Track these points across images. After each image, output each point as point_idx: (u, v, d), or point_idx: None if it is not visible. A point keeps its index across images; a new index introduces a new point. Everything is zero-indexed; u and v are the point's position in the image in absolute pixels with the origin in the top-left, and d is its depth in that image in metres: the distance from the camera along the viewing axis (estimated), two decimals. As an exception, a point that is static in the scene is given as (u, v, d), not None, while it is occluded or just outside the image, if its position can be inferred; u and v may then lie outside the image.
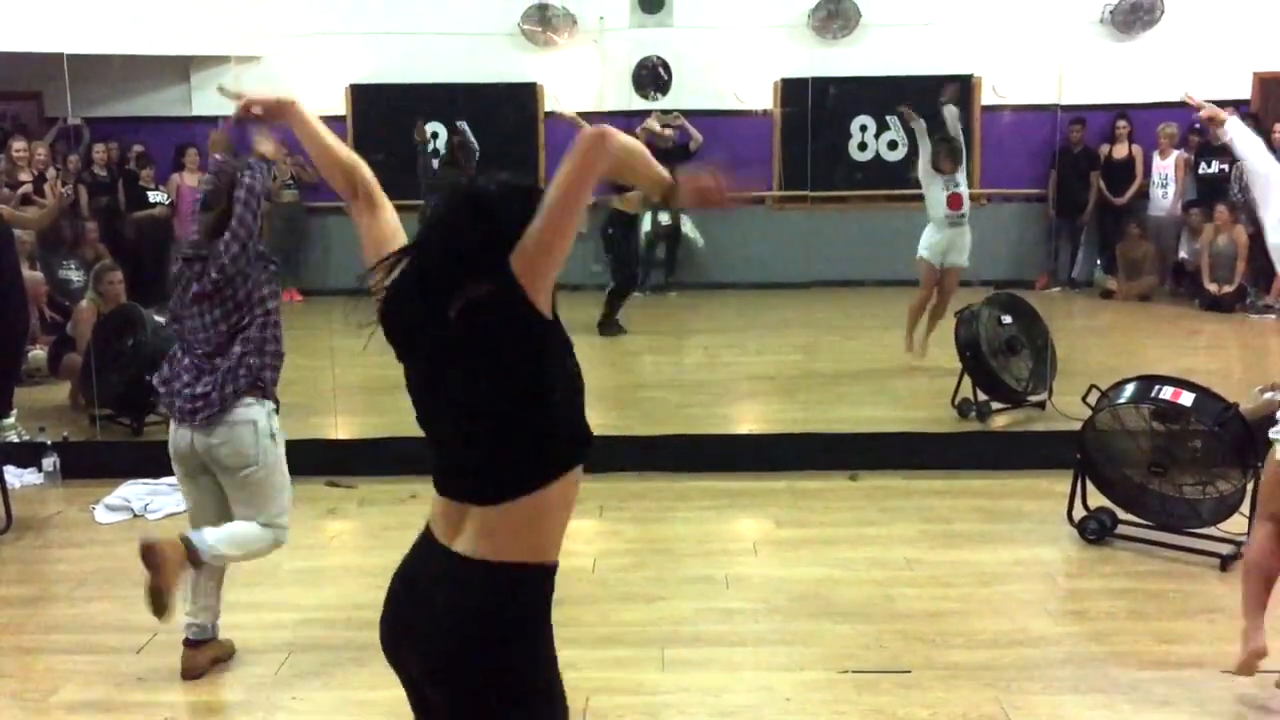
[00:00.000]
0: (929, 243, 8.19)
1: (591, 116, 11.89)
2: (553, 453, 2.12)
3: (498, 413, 2.08)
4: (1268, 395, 5.96)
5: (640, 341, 9.47)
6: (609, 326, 9.45)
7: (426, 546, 2.23)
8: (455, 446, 2.17)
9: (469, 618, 2.11)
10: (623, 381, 8.11)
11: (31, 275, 8.46)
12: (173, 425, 4.01)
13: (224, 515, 4.03)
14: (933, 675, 4.05)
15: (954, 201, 8.10)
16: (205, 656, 4.14)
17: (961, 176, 8.17)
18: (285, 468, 4.05)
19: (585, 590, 4.68)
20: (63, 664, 4.26)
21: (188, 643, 4.13)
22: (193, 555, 3.79)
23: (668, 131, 11.38)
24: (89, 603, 4.84)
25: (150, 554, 3.63)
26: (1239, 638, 3.84)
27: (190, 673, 4.09)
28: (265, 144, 4.02)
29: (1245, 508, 4.80)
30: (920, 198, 8.29)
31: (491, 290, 2.03)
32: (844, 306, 9.89)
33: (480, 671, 2.09)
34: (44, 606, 4.89)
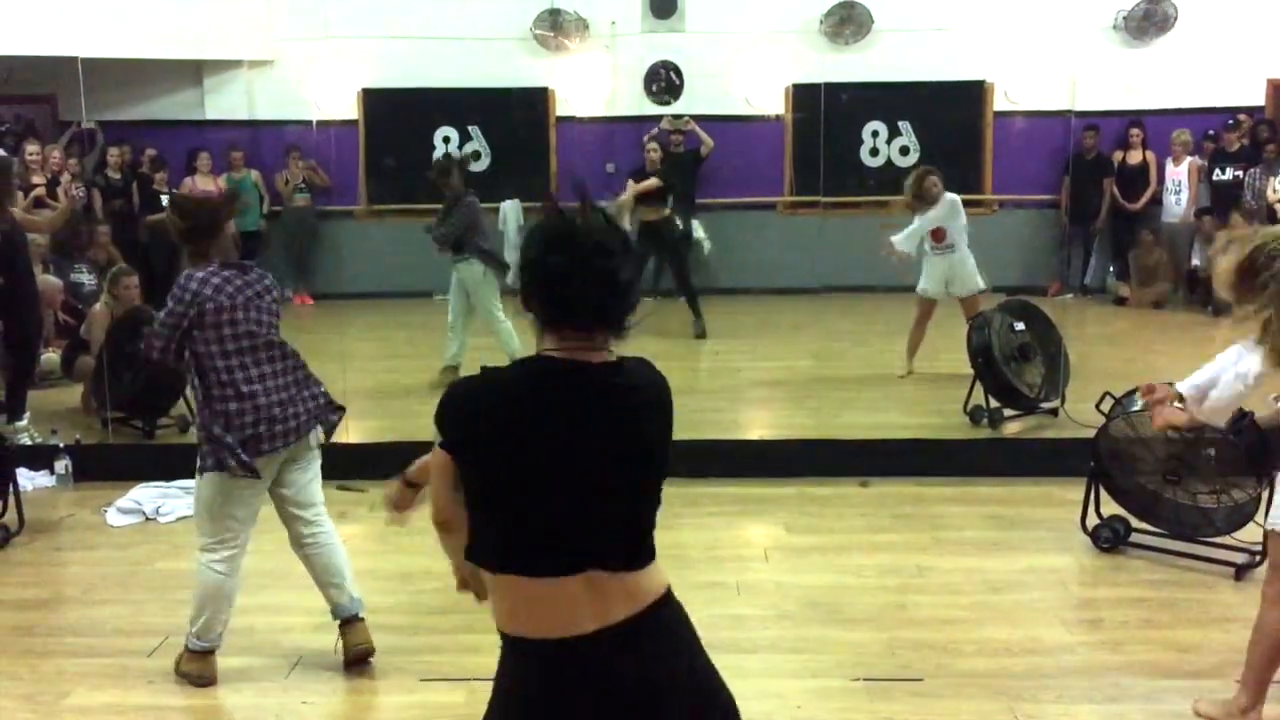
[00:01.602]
0: (927, 276, 8.15)
1: (603, 121, 11.94)
2: None
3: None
4: (1282, 403, 5.92)
5: (650, 346, 9.42)
6: (699, 325, 9.58)
7: (598, 645, 2.08)
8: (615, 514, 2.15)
9: (698, 652, 2.21)
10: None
11: (48, 280, 8.50)
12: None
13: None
14: (945, 683, 4.03)
15: (936, 235, 8.03)
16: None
17: (944, 208, 7.98)
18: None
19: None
20: (74, 667, 4.27)
21: (193, 652, 4.13)
22: None
23: (676, 137, 11.41)
24: (100, 606, 4.85)
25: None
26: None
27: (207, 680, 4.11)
28: None
29: (1260, 516, 4.77)
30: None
31: None
32: (855, 312, 9.87)
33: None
34: (55, 609, 4.90)
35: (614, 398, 2.11)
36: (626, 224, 9.73)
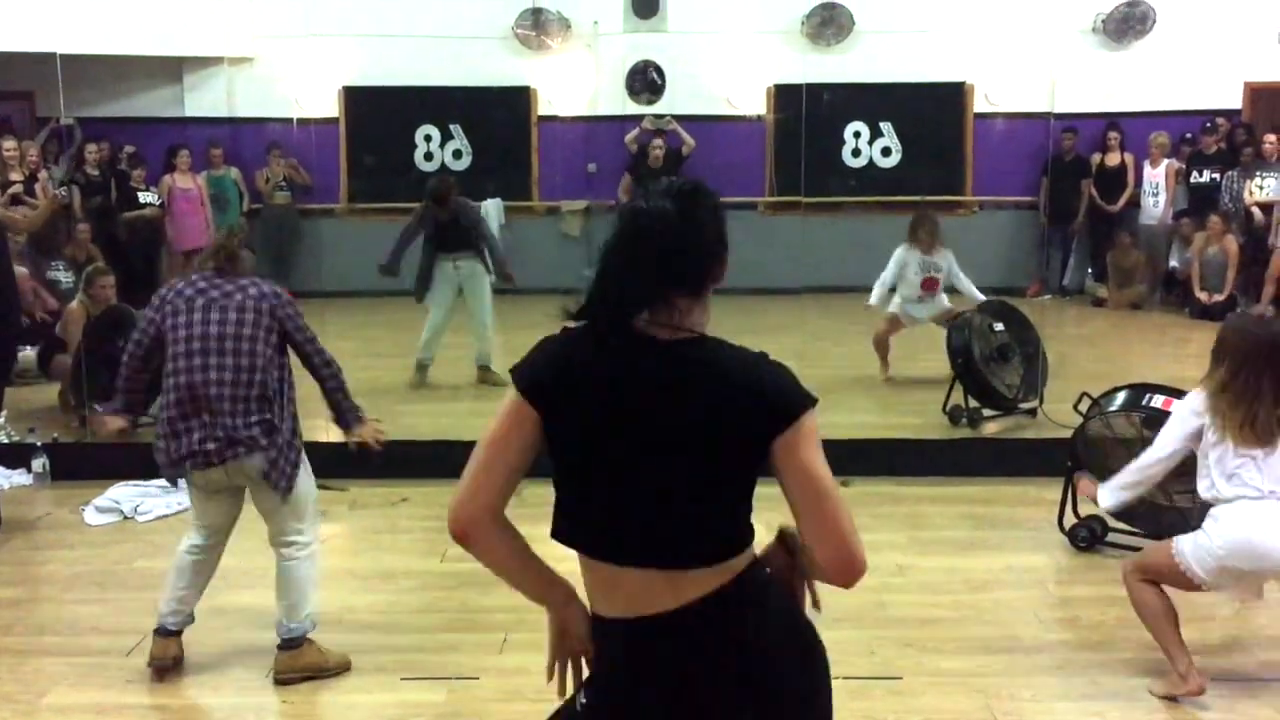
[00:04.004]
0: (902, 303, 7.88)
1: (585, 120, 11.95)
2: None
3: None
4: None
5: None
6: None
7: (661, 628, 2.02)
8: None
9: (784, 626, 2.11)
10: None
11: (18, 270, 8.42)
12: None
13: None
14: (924, 681, 4.06)
15: (928, 285, 7.74)
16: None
17: (943, 260, 7.71)
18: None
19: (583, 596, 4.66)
20: (52, 666, 4.25)
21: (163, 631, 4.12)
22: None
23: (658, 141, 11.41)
24: (78, 604, 4.82)
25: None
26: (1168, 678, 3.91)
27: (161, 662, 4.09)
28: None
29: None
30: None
31: None
32: (836, 313, 9.88)
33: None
34: (33, 608, 4.87)
35: (653, 374, 1.99)
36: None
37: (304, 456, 4.07)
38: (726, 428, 1.97)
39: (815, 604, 2.13)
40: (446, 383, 8.14)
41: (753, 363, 2.03)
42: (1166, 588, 3.90)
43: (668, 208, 2.03)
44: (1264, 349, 3.77)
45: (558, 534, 2.09)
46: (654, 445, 1.98)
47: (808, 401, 2.01)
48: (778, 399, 1.99)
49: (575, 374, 2.02)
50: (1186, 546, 3.81)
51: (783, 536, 2.14)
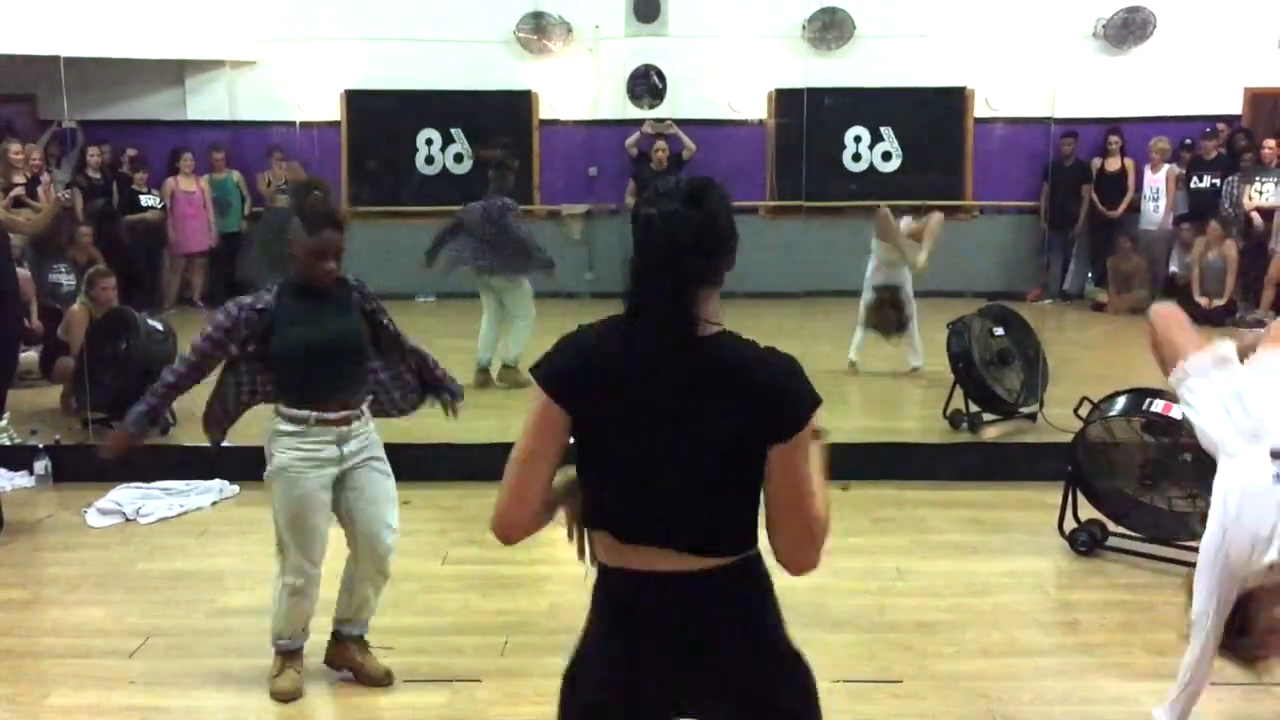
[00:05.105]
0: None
1: (586, 124, 11.96)
2: None
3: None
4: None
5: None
6: None
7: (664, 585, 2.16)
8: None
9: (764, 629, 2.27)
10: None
11: (20, 273, 8.44)
12: None
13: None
14: (924, 685, 4.07)
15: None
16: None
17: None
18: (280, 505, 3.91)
19: (578, 598, 4.66)
20: (54, 667, 4.26)
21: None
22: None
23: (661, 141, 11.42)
24: (81, 606, 4.83)
25: None
26: None
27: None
28: None
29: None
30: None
31: None
32: (837, 317, 9.87)
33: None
34: (35, 610, 4.88)
35: (684, 368, 2.08)
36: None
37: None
38: (742, 425, 2.06)
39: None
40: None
41: (771, 363, 2.12)
42: None
43: (680, 210, 2.10)
44: None
45: (589, 517, 2.19)
46: (677, 436, 2.07)
47: (815, 406, 2.11)
48: (790, 408, 2.08)
49: (605, 369, 2.10)
50: None
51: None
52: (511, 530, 2.18)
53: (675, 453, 2.07)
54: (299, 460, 3.81)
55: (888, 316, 8.20)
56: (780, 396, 2.07)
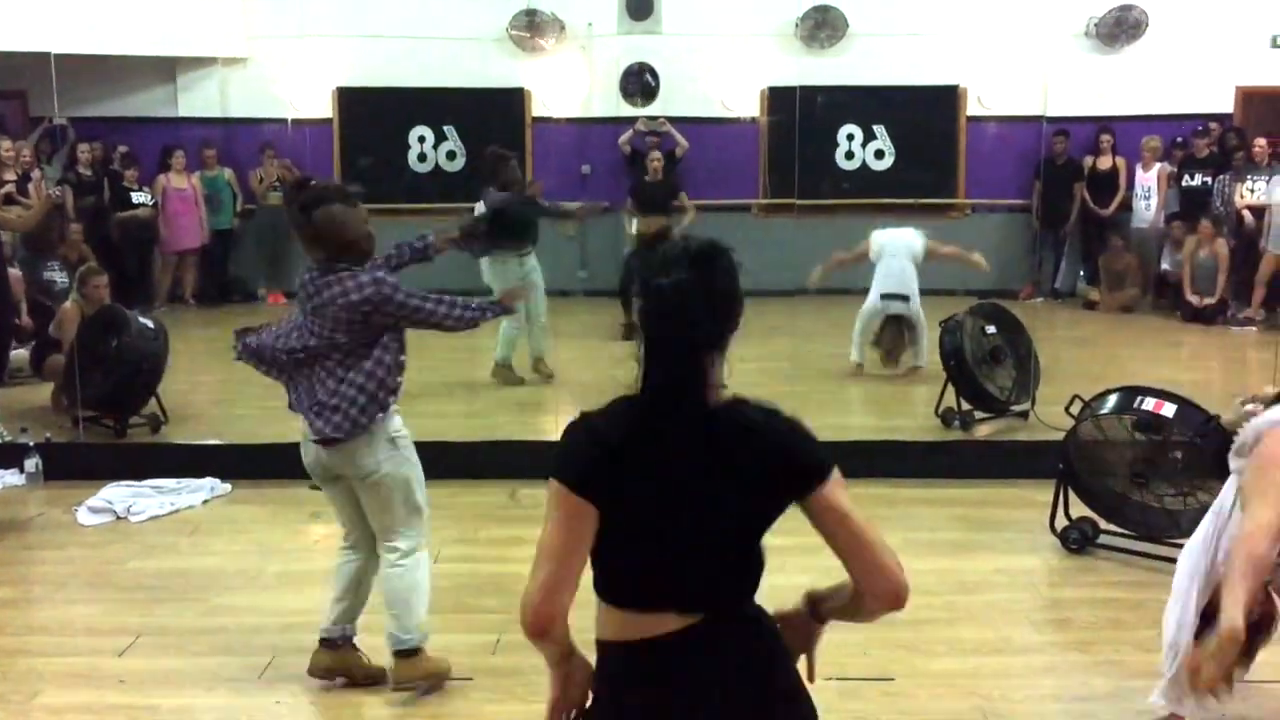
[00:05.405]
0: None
1: (578, 122, 11.95)
2: None
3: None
4: (1248, 407, 5.98)
5: (628, 347, 9.42)
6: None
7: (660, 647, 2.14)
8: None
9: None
10: (606, 387, 8.09)
11: (11, 272, 8.43)
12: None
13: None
14: (916, 683, 4.07)
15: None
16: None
17: None
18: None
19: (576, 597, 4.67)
20: (45, 666, 4.24)
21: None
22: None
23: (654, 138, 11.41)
24: (71, 605, 4.82)
25: None
26: None
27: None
28: None
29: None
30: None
31: None
32: (829, 315, 9.89)
33: None
34: (26, 608, 4.87)
35: (703, 441, 2.10)
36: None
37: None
38: (767, 490, 2.13)
39: (811, 676, 2.31)
40: (441, 383, 8.13)
41: (782, 428, 2.18)
42: None
43: (685, 280, 2.11)
44: None
45: (602, 592, 2.18)
46: (700, 505, 2.10)
47: (829, 459, 2.20)
48: (809, 462, 2.17)
49: (625, 456, 2.10)
50: None
51: (812, 601, 2.34)
52: (548, 624, 2.14)
53: (698, 525, 2.10)
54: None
55: (898, 342, 8.20)
56: (792, 452, 2.15)
